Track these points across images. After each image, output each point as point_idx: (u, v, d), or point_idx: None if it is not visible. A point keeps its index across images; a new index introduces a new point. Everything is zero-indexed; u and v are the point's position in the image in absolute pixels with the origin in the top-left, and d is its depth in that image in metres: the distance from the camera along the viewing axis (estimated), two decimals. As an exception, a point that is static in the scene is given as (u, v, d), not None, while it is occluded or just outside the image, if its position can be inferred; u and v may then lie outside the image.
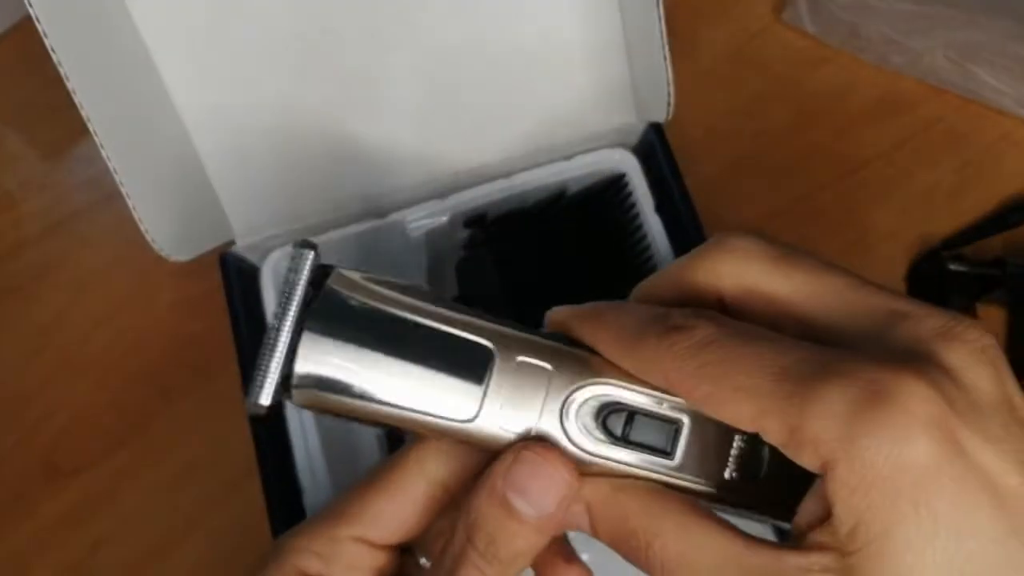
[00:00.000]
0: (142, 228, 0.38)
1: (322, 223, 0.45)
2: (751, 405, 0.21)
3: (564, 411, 0.24)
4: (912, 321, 0.21)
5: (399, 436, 0.46)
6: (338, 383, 0.23)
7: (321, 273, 0.23)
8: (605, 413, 0.24)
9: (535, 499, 0.23)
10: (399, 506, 0.26)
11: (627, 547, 0.23)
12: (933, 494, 0.19)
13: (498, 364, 0.23)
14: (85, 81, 0.35)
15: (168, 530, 0.47)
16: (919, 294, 0.48)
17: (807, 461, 0.20)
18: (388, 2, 0.42)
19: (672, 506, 0.23)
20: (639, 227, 0.45)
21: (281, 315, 0.23)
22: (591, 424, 0.24)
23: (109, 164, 0.37)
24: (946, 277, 0.47)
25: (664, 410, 0.24)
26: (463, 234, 0.46)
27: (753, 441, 0.24)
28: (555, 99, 0.45)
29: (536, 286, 0.44)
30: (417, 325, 0.23)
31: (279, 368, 0.22)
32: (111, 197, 0.53)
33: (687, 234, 0.43)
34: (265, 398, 0.22)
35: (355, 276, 0.23)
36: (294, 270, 0.23)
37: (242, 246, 0.45)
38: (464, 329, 0.23)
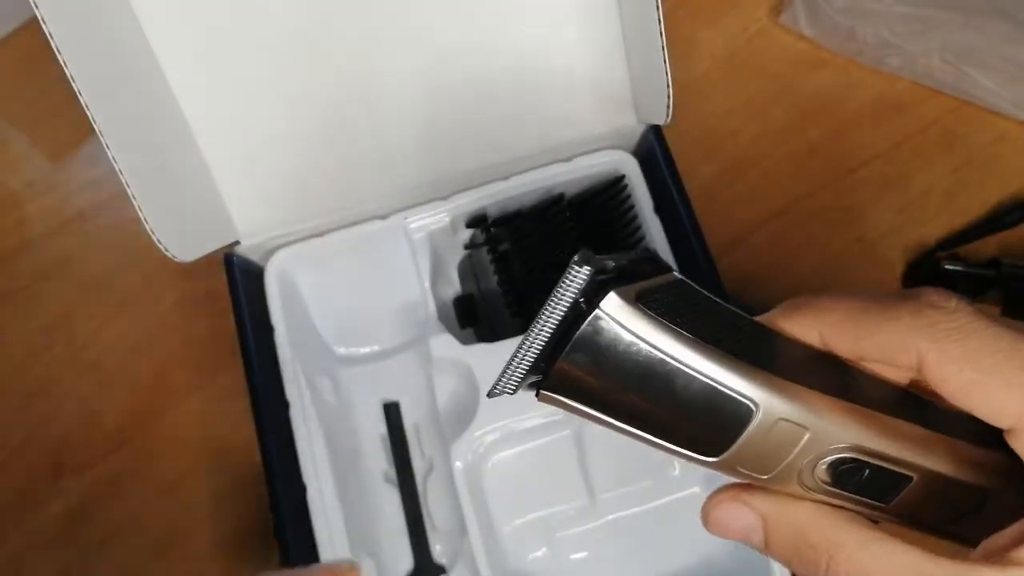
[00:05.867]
0: (147, 228, 0.39)
1: (325, 224, 0.46)
2: (1015, 405, 0.21)
3: (804, 467, 0.23)
4: None
5: (402, 437, 0.46)
6: (585, 400, 0.23)
7: (594, 287, 0.22)
8: (839, 465, 0.23)
9: None
10: None
11: (803, 561, 0.23)
12: None
13: (758, 421, 0.22)
14: (91, 82, 0.35)
15: (172, 528, 0.48)
16: (915, 294, 0.49)
17: None
18: (389, 5, 0.42)
19: (850, 519, 0.23)
20: (638, 228, 0.45)
21: (547, 319, 0.22)
22: (824, 475, 0.23)
23: (115, 165, 0.37)
24: (942, 277, 0.47)
25: (897, 468, 0.23)
26: (464, 234, 0.46)
27: (972, 495, 0.24)
28: (555, 101, 0.45)
29: (536, 286, 0.44)
30: (683, 370, 0.22)
31: (528, 370, 0.22)
32: (116, 197, 0.54)
33: (686, 235, 0.44)
34: (511, 390, 0.23)
35: (628, 301, 0.22)
36: (567, 282, 0.22)
37: (246, 246, 0.45)
38: (733, 377, 0.22)
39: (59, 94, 0.35)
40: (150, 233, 0.39)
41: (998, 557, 0.21)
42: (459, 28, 0.43)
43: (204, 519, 0.48)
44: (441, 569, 0.43)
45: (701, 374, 0.22)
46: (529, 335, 0.22)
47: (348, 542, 0.41)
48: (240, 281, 0.44)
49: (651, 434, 0.23)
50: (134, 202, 0.38)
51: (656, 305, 0.22)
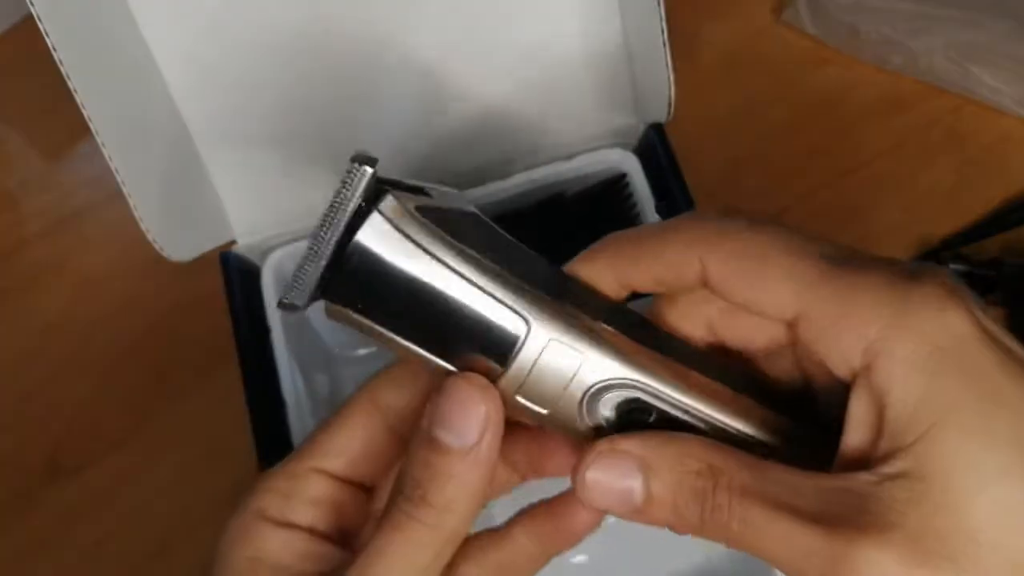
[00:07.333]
0: (143, 228, 0.38)
1: (323, 223, 0.45)
2: (792, 291, 0.22)
3: (585, 398, 0.23)
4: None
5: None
6: (368, 310, 0.23)
7: (375, 190, 0.22)
8: (625, 406, 0.23)
9: (457, 427, 0.23)
10: (355, 436, 0.26)
11: (687, 495, 0.22)
12: (988, 364, 0.19)
13: (531, 337, 0.23)
14: (86, 80, 0.35)
15: (169, 529, 0.47)
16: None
17: (849, 350, 0.21)
18: (389, 4, 0.42)
19: (727, 448, 0.23)
20: (639, 227, 0.45)
21: (328, 227, 0.22)
22: (610, 414, 0.24)
23: (110, 164, 0.37)
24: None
25: (685, 416, 0.24)
26: (464, 234, 0.46)
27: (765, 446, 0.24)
28: (556, 99, 0.45)
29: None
30: (457, 278, 0.22)
31: (316, 279, 0.22)
32: (112, 197, 0.53)
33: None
34: (301, 301, 0.23)
35: (408, 206, 0.22)
36: (348, 185, 0.22)
37: (243, 246, 0.45)
38: (504, 293, 0.23)
39: (54, 93, 0.35)
40: (146, 233, 0.39)
41: (862, 463, 0.21)
42: (459, 27, 0.43)
43: (203, 519, 0.47)
44: (440, 571, 0.43)
45: (472, 282, 0.22)
46: (315, 240, 0.22)
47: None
48: (236, 281, 0.44)
49: (429, 351, 0.23)
50: (130, 201, 0.38)
51: (440, 222, 0.23)
